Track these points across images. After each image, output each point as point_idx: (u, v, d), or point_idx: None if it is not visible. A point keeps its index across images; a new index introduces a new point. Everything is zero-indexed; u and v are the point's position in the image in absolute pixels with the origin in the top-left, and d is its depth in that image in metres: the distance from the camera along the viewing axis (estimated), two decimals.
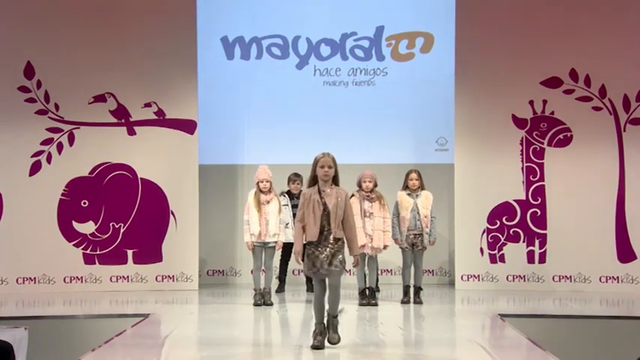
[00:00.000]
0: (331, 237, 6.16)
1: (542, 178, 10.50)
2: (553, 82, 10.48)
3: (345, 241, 6.26)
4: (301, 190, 10.09)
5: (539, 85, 10.48)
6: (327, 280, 6.19)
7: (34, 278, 10.35)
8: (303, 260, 6.28)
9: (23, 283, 10.34)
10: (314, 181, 6.26)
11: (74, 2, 10.55)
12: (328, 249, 6.15)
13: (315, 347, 6.16)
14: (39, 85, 10.44)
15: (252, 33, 11.64)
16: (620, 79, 10.39)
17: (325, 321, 6.28)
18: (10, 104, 10.38)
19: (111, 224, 10.48)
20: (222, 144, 11.46)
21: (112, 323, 7.79)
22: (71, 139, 10.47)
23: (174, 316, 8.34)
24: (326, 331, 6.23)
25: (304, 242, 6.24)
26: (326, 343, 6.23)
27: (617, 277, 10.33)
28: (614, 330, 7.74)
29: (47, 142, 10.44)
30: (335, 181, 6.25)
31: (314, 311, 6.26)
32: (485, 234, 10.52)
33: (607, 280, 10.36)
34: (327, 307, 6.26)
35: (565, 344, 7.37)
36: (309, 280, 10.07)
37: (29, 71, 10.42)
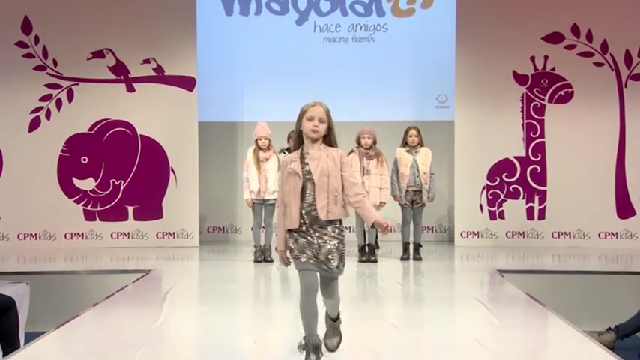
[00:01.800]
0: (320, 220, 4.29)
1: (542, 135, 10.45)
2: (554, 38, 10.38)
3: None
4: None
5: (540, 40, 10.38)
6: (321, 278, 4.41)
7: (35, 234, 10.37)
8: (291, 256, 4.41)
9: (24, 239, 10.36)
10: (300, 141, 4.47)
11: None
12: (322, 234, 4.32)
13: None
14: (37, 40, 10.34)
15: None
16: (622, 35, 10.29)
17: (327, 322, 4.69)
18: (8, 60, 10.30)
19: (111, 181, 10.47)
20: (221, 101, 11.39)
21: (113, 279, 7.82)
22: (70, 96, 10.41)
23: (175, 272, 8.37)
24: (321, 342, 4.41)
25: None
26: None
27: (616, 233, 10.35)
28: (613, 285, 7.77)
29: (46, 98, 10.38)
30: (329, 141, 4.48)
31: (303, 321, 4.33)
32: (484, 191, 10.51)
33: (606, 235, 10.38)
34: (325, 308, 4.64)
35: (564, 300, 7.40)
36: None
37: (27, 26, 10.32)
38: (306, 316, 4.29)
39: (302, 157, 4.38)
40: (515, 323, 5.93)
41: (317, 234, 4.29)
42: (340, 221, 4.37)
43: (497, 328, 5.68)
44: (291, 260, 4.37)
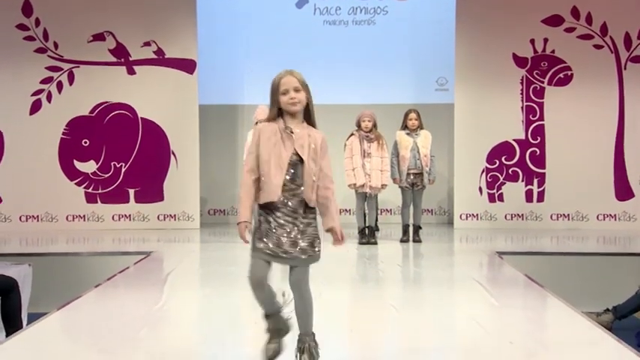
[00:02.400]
0: (297, 201, 3.88)
1: (541, 118, 10.44)
2: (554, 21, 10.34)
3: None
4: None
5: (540, 23, 10.34)
6: (290, 269, 3.92)
7: (37, 216, 10.38)
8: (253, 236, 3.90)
9: (26, 221, 10.37)
10: (278, 116, 3.95)
11: None
12: (295, 219, 3.87)
13: None
14: (37, 22, 10.30)
15: None
16: (621, 17, 10.26)
17: (299, 341, 3.97)
18: (9, 42, 10.27)
19: (112, 163, 10.46)
20: (221, 84, 11.36)
21: (115, 261, 7.83)
22: (71, 78, 10.38)
23: (176, 254, 8.38)
24: (282, 331, 4.02)
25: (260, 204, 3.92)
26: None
27: (615, 215, 10.36)
28: (611, 267, 7.79)
29: (47, 80, 10.35)
30: (308, 118, 3.98)
31: (258, 301, 3.96)
32: (484, 173, 10.51)
33: (604, 217, 10.39)
34: (295, 318, 3.99)
35: (562, 281, 7.42)
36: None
37: (27, 8, 10.28)
38: (261, 301, 3.95)
39: (287, 131, 3.89)
40: (514, 304, 5.94)
41: (289, 217, 3.85)
42: (314, 208, 3.93)
43: (496, 309, 5.70)
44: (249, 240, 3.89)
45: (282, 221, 3.84)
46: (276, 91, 3.93)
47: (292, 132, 3.89)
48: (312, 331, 3.97)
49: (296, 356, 3.95)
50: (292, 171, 3.87)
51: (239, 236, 3.85)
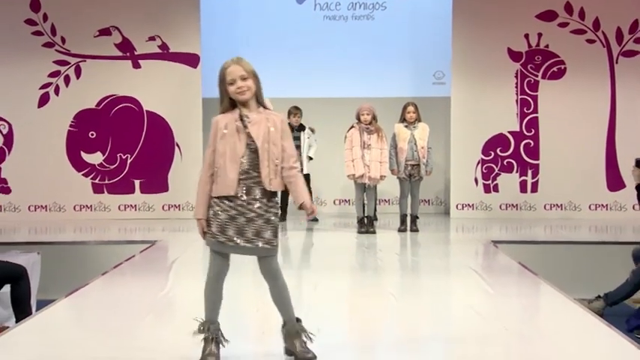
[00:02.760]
0: (258, 190, 3.75)
1: (535, 110, 10.43)
2: (548, 16, 10.32)
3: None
4: (301, 124, 10.02)
5: (534, 18, 10.32)
6: (258, 260, 3.84)
7: (46, 206, 10.39)
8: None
9: (35, 210, 10.38)
10: (231, 106, 3.88)
11: None
12: (256, 208, 3.74)
13: None
14: (45, 18, 10.28)
15: None
16: (613, 12, 10.24)
17: (285, 330, 3.87)
18: (18, 37, 10.25)
19: (118, 155, 10.45)
20: None
21: (121, 249, 7.84)
22: (78, 72, 10.37)
23: (181, 243, 8.38)
24: (220, 339, 3.82)
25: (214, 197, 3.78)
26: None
27: (607, 205, 10.36)
28: (603, 255, 7.80)
29: (54, 74, 10.34)
30: (259, 102, 3.90)
31: (206, 305, 3.82)
32: (479, 165, 10.50)
33: (596, 207, 10.39)
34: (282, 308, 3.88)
35: (555, 269, 7.42)
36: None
37: (35, 4, 10.25)
38: (211, 300, 3.78)
39: (242, 120, 3.79)
40: (509, 292, 5.95)
41: (250, 206, 3.72)
42: (276, 193, 3.83)
43: (492, 296, 5.71)
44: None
45: (243, 210, 3.72)
46: (222, 82, 3.84)
47: (248, 119, 3.77)
48: (295, 316, 3.86)
49: (286, 344, 3.85)
50: (249, 161, 3.74)
51: (198, 233, 3.81)
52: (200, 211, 3.78)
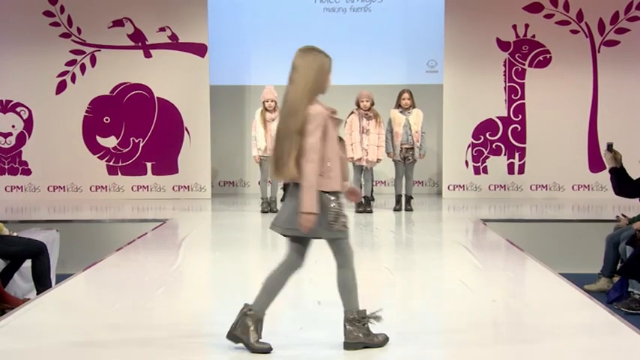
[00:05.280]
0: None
1: (522, 97, 10.40)
2: (535, 7, 10.27)
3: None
4: None
5: (522, 10, 10.27)
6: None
7: (64, 187, 10.40)
8: (337, 220, 3.56)
9: (54, 190, 10.39)
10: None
11: None
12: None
13: None
14: (62, 10, 10.25)
15: None
16: (596, 4, 10.20)
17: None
18: (37, 27, 10.22)
19: (131, 139, 10.45)
20: (230, 66, 11.29)
21: (134, 227, 7.86)
22: (93, 61, 10.35)
23: (190, 222, 8.41)
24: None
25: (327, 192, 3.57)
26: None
27: (588, 186, 10.36)
28: (584, 232, 7.82)
29: (71, 63, 10.32)
30: None
31: (353, 294, 3.66)
32: (470, 148, 10.49)
33: (579, 188, 10.39)
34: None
35: (540, 245, 7.43)
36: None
37: None
38: (357, 288, 3.58)
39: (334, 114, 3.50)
40: (497, 266, 5.98)
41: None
42: None
43: (481, 270, 5.73)
44: (336, 226, 3.57)
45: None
46: (327, 72, 3.57)
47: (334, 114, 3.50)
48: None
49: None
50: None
51: (304, 228, 3.50)
52: (312, 206, 3.46)
